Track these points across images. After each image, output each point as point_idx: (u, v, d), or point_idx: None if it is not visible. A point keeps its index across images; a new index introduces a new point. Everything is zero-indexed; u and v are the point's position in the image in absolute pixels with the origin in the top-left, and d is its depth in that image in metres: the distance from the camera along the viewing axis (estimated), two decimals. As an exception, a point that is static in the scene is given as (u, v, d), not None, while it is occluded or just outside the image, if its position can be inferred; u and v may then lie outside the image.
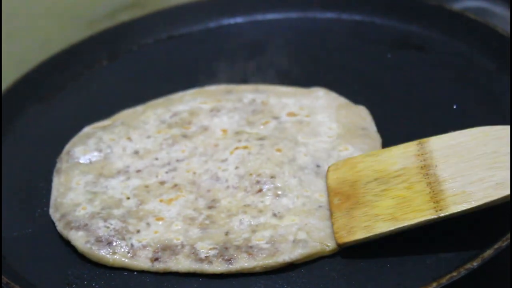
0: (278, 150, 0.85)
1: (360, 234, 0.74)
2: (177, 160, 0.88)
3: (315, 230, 0.76)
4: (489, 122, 0.84)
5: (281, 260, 0.74)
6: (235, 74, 1.04)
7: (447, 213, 0.71)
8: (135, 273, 0.76)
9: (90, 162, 0.90)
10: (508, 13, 1.16)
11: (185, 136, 0.91)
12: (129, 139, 0.92)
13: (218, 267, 0.74)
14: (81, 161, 0.90)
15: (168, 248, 0.77)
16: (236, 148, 0.87)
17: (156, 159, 0.89)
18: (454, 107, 0.90)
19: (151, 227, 0.79)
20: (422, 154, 0.77)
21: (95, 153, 0.91)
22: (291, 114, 0.91)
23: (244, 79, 1.02)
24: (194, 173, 0.86)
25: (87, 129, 0.96)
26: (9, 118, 1.00)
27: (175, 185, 0.84)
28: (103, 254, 0.77)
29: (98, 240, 0.78)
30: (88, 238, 0.79)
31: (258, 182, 0.81)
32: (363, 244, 0.74)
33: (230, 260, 0.74)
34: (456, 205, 0.71)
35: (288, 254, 0.74)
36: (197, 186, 0.84)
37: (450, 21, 1.03)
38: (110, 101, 1.03)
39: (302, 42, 1.10)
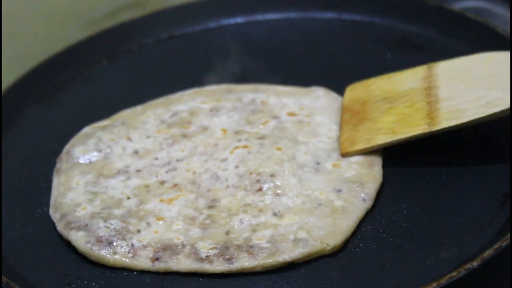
0: (278, 149, 0.85)
1: (361, 145, 0.83)
2: (177, 160, 0.88)
3: (315, 229, 0.76)
4: (489, 122, 0.84)
5: (282, 259, 0.74)
6: (235, 74, 1.04)
7: (438, 128, 0.78)
8: (135, 273, 0.76)
9: (90, 162, 0.90)
10: (508, 13, 1.16)
11: (184, 135, 0.91)
12: (129, 139, 0.92)
13: (219, 266, 0.74)
14: (81, 161, 0.90)
15: (169, 248, 0.77)
16: (236, 147, 0.87)
17: (156, 159, 0.89)
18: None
19: (151, 227, 0.80)
20: (429, 77, 0.83)
21: (95, 153, 0.91)
22: (291, 114, 0.91)
23: (244, 79, 1.02)
24: (194, 172, 0.86)
25: (86, 129, 0.96)
26: (9, 118, 1.00)
27: (175, 185, 0.84)
28: (104, 254, 0.77)
29: (99, 241, 0.78)
30: (88, 239, 0.79)
31: (258, 181, 0.81)
32: (363, 244, 0.74)
33: (230, 259, 0.74)
34: (447, 121, 0.78)
35: (288, 253, 0.74)
36: (197, 185, 0.84)
37: (450, 21, 1.03)
38: (110, 101, 1.03)
39: (302, 42, 1.10)
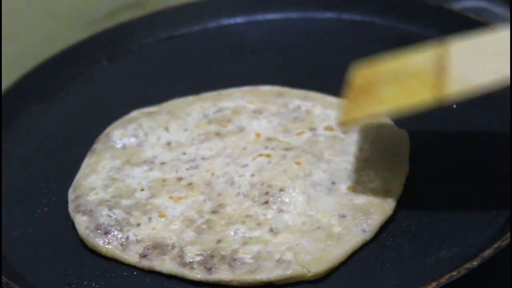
0: (297, 163, 0.82)
1: (359, 113, 0.78)
2: (202, 158, 0.87)
3: (303, 252, 0.73)
4: (489, 122, 0.85)
5: (259, 278, 0.72)
6: (235, 74, 1.04)
7: (443, 94, 0.73)
8: (135, 273, 0.76)
9: (124, 147, 0.91)
10: (508, 13, 1.16)
11: (218, 134, 0.90)
12: (166, 129, 0.93)
13: (198, 274, 0.74)
14: (116, 145, 0.92)
15: (159, 247, 0.77)
16: (260, 155, 0.85)
17: (184, 153, 0.89)
18: (454, 107, 0.90)
19: (151, 223, 0.80)
20: (440, 53, 0.78)
21: (132, 139, 0.92)
22: (328, 128, 0.88)
23: (243, 79, 1.02)
24: (213, 174, 0.85)
25: (134, 113, 0.97)
26: (9, 118, 1.00)
27: (190, 184, 0.84)
28: (97, 242, 0.79)
29: (97, 228, 0.80)
30: (89, 224, 0.80)
31: (267, 193, 0.80)
32: (362, 243, 0.74)
33: (211, 269, 0.73)
34: (453, 87, 0.73)
35: (267, 273, 0.72)
36: (211, 187, 0.83)
37: (450, 21, 1.03)
38: (110, 101, 1.03)
39: (302, 42, 1.10)
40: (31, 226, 0.84)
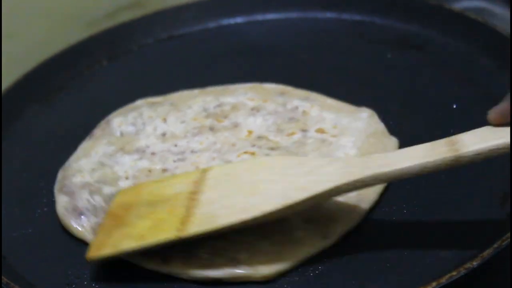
0: None
1: (107, 249, 0.74)
2: (192, 151, 0.88)
3: (258, 253, 0.73)
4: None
5: (206, 275, 0.73)
6: (235, 74, 1.04)
7: (185, 235, 0.72)
8: (135, 273, 0.76)
9: (121, 135, 0.92)
10: (508, 13, 1.16)
11: (212, 129, 0.91)
12: (164, 120, 0.94)
13: (152, 263, 0.75)
14: (114, 132, 0.93)
15: None
16: (245, 152, 0.86)
17: (175, 145, 0.89)
18: (454, 107, 0.90)
19: None
20: (199, 181, 0.77)
21: (130, 127, 0.93)
22: (319, 131, 0.88)
23: (243, 79, 1.02)
24: (197, 167, 0.85)
25: (138, 102, 0.98)
26: (9, 118, 1.00)
27: None
28: (71, 223, 0.81)
29: (74, 209, 0.82)
30: (67, 205, 0.83)
31: None
32: (363, 244, 0.74)
33: (165, 260, 0.74)
34: (197, 227, 0.72)
35: (215, 271, 0.73)
36: None
37: (450, 21, 1.03)
38: (110, 101, 1.03)
39: (302, 42, 1.10)
40: (31, 226, 0.84)
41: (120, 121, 0.95)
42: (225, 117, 0.93)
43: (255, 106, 0.94)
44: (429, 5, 1.07)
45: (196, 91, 0.99)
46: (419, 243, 0.74)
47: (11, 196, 0.88)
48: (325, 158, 0.79)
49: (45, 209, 0.86)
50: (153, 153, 0.89)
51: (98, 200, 0.83)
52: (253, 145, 0.87)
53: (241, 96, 0.96)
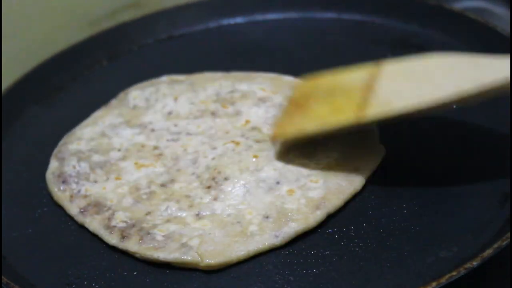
0: (255, 156, 0.84)
1: (290, 131, 0.83)
2: (187, 133, 0.90)
3: (210, 242, 0.75)
4: (489, 122, 0.85)
5: (156, 256, 0.75)
6: (235, 74, 1.04)
7: (364, 118, 0.78)
8: (135, 273, 0.76)
9: (134, 108, 0.95)
10: (508, 13, 1.16)
11: (214, 114, 0.92)
12: (176, 99, 0.96)
13: (113, 239, 0.78)
14: (129, 104, 0.96)
15: (98, 206, 0.81)
16: (232, 141, 0.87)
17: (176, 125, 0.91)
18: (454, 107, 0.90)
19: (106, 183, 0.84)
20: (374, 73, 0.81)
21: (142, 102, 0.96)
22: None
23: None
24: (185, 150, 0.87)
25: (163, 78, 1.01)
26: (9, 118, 1.00)
27: (160, 155, 0.87)
28: (53, 188, 0.86)
29: (59, 175, 0.86)
30: (55, 170, 0.88)
31: (213, 178, 0.82)
32: (363, 244, 0.74)
33: (124, 237, 0.77)
34: (374, 112, 0.77)
35: (165, 253, 0.75)
36: (175, 162, 0.86)
37: (450, 21, 1.03)
38: (110, 101, 1.03)
39: (302, 42, 1.10)
40: (31, 226, 0.84)
41: (136, 94, 0.98)
42: (232, 103, 0.94)
43: (262, 97, 0.95)
44: (429, 5, 1.07)
45: (219, 74, 1.01)
46: (419, 243, 0.74)
47: (11, 196, 0.88)
48: (494, 56, 0.77)
49: (45, 209, 0.86)
50: (152, 130, 0.91)
51: (84, 166, 0.87)
52: (242, 135, 0.88)
53: (256, 85, 0.97)
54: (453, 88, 0.75)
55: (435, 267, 0.70)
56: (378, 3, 1.10)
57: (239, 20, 1.16)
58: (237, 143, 0.86)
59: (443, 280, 0.66)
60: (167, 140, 0.89)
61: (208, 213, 0.79)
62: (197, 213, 0.79)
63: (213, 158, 0.85)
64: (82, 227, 0.82)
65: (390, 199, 0.80)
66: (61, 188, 0.85)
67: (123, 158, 0.88)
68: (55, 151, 0.91)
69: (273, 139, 0.84)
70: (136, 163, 0.87)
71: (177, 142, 0.89)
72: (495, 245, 0.69)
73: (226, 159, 0.84)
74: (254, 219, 0.77)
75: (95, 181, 0.85)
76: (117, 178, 0.85)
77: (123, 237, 0.78)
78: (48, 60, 1.09)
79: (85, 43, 1.12)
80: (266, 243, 0.75)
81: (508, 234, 0.69)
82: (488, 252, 0.68)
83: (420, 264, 0.71)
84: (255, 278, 0.73)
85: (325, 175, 0.81)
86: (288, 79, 0.99)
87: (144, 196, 0.82)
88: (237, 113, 0.92)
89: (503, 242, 0.69)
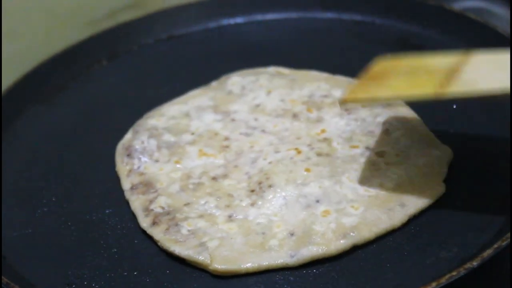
0: (307, 170, 0.81)
1: (361, 95, 0.78)
2: (261, 131, 0.89)
3: (227, 247, 0.75)
4: (489, 122, 0.85)
5: (172, 249, 0.76)
6: (235, 74, 1.04)
7: (444, 92, 0.74)
8: (135, 273, 0.76)
9: (228, 93, 0.96)
10: (508, 13, 1.16)
11: (295, 116, 0.91)
12: (269, 92, 0.95)
13: (144, 223, 0.79)
14: (226, 88, 0.97)
15: (147, 186, 0.83)
16: (295, 148, 0.85)
17: (256, 119, 0.91)
18: (454, 107, 0.90)
19: (165, 164, 0.86)
20: (461, 61, 0.78)
21: (238, 89, 0.96)
22: (379, 154, 0.83)
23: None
24: (252, 147, 0.87)
25: (270, 68, 1.01)
26: (9, 118, 1.00)
27: (226, 147, 0.88)
28: (117, 158, 0.89)
29: (127, 148, 0.89)
30: (126, 142, 0.91)
31: (260, 183, 0.81)
32: (363, 244, 0.74)
33: (154, 224, 0.79)
34: (457, 88, 0.74)
35: (181, 249, 0.75)
36: (236, 157, 0.86)
37: (450, 21, 1.03)
38: (110, 101, 1.03)
39: (302, 42, 1.10)
40: (31, 226, 0.84)
41: (236, 81, 0.98)
42: (319, 109, 0.92)
43: (350, 108, 0.91)
44: (429, 5, 1.07)
45: (324, 75, 0.99)
46: (419, 243, 0.74)
47: (11, 196, 0.88)
48: None
49: (45, 209, 0.86)
50: (232, 120, 0.92)
51: (152, 143, 0.88)
52: (309, 145, 0.86)
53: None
54: None
55: (435, 267, 0.70)
56: (378, 3, 1.10)
57: (239, 20, 1.16)
58: (299, 152, 0.84)
59: (443, 280, 0.66)
60: (240, 133, 0.89)
61: (240, 217, 0.78)
62: (230, 214, 0.79)
63: (270, 162, 0.83)
64: (82, 227, 0.82)
65: (390, 199, 0.80)
66: (124, 161, 0.87)
67: (192, 143, 0.89)
68: (137, 123, 0.93)
69: (343, 101, 0.78)
70: (200, 150, 0.87)
71: (248, 137, 0.89)
72: (495, 245, 0.69)
73: (280, 166, 0.82)
74: (279, 234, 0.76)
75: (157, 161, 0.87)
76: (176, 162, 0.86)
77: (154, 223, 0.79)
78: (48, 60, 1.09)
79: (85, 43, 1.12)
80: (279, 261, 0.73)
81: (508, 234, 0.69)
82: (488, 252, 0.68)
83: (420, 264, 0.71)
84: (255, 278, 0.73)
85: (368, 203, 0.78)
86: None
87: (191, 186, 0.83)
88: (318, 120, 0.90)
89: (503, 242, 0.69)
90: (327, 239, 0.74)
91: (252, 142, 0.88)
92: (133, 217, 0.82)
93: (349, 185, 0.80)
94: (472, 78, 0.75)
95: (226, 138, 0.89)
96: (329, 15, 1.13)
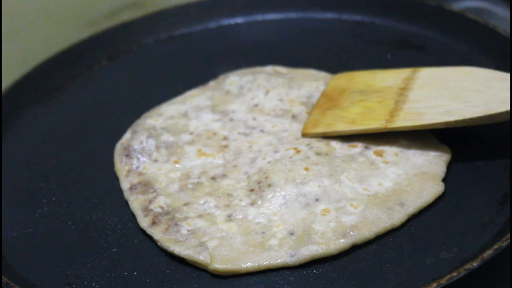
0: (306, 168, 0.81)
1: (321, 128, 0.85)
2: (260, 130, 0.90)
3: (227, 247, 0.75)
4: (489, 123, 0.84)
5: (172, 249, 0.76)
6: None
7: (393, 126, 0.81)
8: (135, 273, 0.76)
9: (226, 93, 0.96)
10: (508, 13, 1.16)
11: (294, 117, 0.91)
12: (267, 92, 0.95)
13: (143, 222, 0.79)
14: (224, 88, 0.97)
15: (146, 186, 0.83)
16: (294, 148, 0.85)
17: (254, 119, 0.91)
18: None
19: (164, 164, 0.86)
20: (409, 79, 0.84)
21: (236, 89, 0.96)
22: (378, 153, 0.84)
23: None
24: (250, 147, 0.87)
25: (268, 68, 1.01)
26: (9, 118, 1.00)
27: (225, 147, 0.88)
28: (116, 158, 0.89)
29: (126, 148, 0.89)
30: (124, 142, 0.90)
31: (259, 182, 0.81)
32: (363, 244, 0.74)
33: (154, 223, 0.79)
34: (404, 121, 0.80)
35: (181, 249, 0.75)
36: (235, 157, 0.86)
37: (450, 21, 1.03)
38: (110, 101, 1.03)
39: (302, 42, 1.10)
40: (31, 226, 0.84)
41: (234, 80, 0.98)
42: None
43: None
44: (429, 5, 1.07)
45: (322, 74, 0.99)
46: (419, 243, 0.74)
47: (11, 196, 0.88)
48: None
49: (45, 209, 0.86)
50: (231, 119, 0.92)
51: (150, 143, 0.88)
52: (308, 144, 0.85)
53: None
54: (484, 108, 0.77)
55: (435, 268, 0.70)
56: (378, 3, 1.10)
57: (239, 20, 1.16)
58: (298, 151, 0.84)
59: (443, 281, 0.67)
60: (239, 133, 0.90)
61: (240, 216, 0.78)
62: (229, 214, 0.79)
63: (269, 162, 0.83)
64: (82, 227, 0.82)
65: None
66: (123, 161, 0.88)
67: (191, 143, 0.89)
68: (135, 122, 0.94)
69: (304, 134, 0.86)
70: (199, 150, 0.87)
71: (247, 137, 0.89)
72: (495, 246, 0.69)
73: (279, 166, 0.82)
74: (278, 233, 0.76)
75: (156, 160, 0.87)
76: (175, 162, 0.86)
77: (153, 223, 0.79)
78: (48, 60, 1.09)
79: (85, 43, 1.12)
80: (279, 261, 0.73)
81: (508, 235, 0.70)
82: (488, 253, 0.68)
83: (420, 264, 0.71)
84: (255, 278, 0.73)
85: (367, 202, 0.77)
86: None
87: (190, 186, 0.83)
88: None
89: (503, 243, 0.69)
90: (327, 238, 0.74)
91: (251, 142, 0.88)
92: (132, 217, 0.82)
93: (348, 184, 0.80)
94: (419, 106, 0.80)
95: (225, 138, 0.89)
96: (329, 15, 1.13)
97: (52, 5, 1.22)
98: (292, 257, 0.73)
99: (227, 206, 0.80)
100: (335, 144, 0.85)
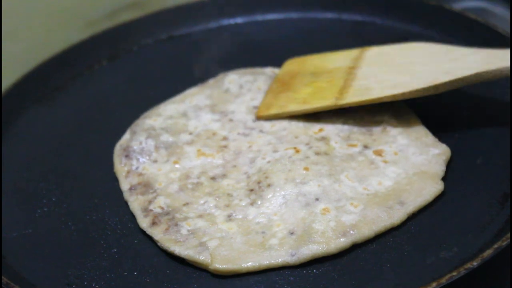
0: (306, 168, 0.81)
1: (274, 110, 0.88)
2: (260, 131, 0.90)
3: (227, 247, 0.75)
4: (489, 121, 0.85)
5: (172, 249, 0.76)
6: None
7: (343, 102, 0.84)
8: (135, 273, 0.76)
9: (225, 92, 0.96)
10: (508, 13, 1.16)
11: (293, 116, 0.90)
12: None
13: (143, 223, 0.79)
14: (223, 86, 0.97)
15: (146, 186, 0.83)
16: (294, 148, 0.85)
17: (253, 120, 0.91)
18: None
19: (163, 165, 0.86)
20: (357, 58, 0.87)
21: (235, 88, 0.96)
22: (377, 152, 0.84)
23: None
24: (250, 147, 0.87)
25: (267, 69, 1.01)
26: (9, 118, 1.00)
27: (224, 147, 0.88)
28: (115, 159, 0.89)
29: (125, 149, 0.89)
30: (124, 142, 0.91)
31: (259, 182, 0.81)
32: (363, 244, 0.74)
33: (154, 224, 0.79)
34: (353, 97, 0.83)
35: (181, 249, 0.75)
36: (235, 157, 0.86)
37: (450, 21, 1.03)
38: (110, 101, 1.03)
39: (302, 42, 1.10)
40: (31, 226, 0.84)
41: (233, 79, 0.98)
42: None
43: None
44: (429, 5, 1.07)
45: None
46: (419, 243, 0.74)
47: (11, 196, 0.88)
48: (470, 48, 0.83)
49: (45, 209, 0.86)
50: (230, 120, 0.92)
51: (150, 144, 0.88)
52: (307, 143, 0.85)
53: None
54: (428, 79, 0.79)
55: (435, 268, 0.70)
56: (378, 3, 1.10)
57: (239, 20, 1.16)
58: (297, 151, 0.84)
59: (443, 281, 0.66)
60: (238, 134, 0.90)
61: (240, 216, 0.78)
62: (229, 214, 0.79)
63: (269, 162, 0.83)
64: (82, 227, 0.82)
65: (390, 199, 0.80)
66: (122, 162, 0.88)
67: (191, 143, 0.89)
68: (134, 123, 0.93)
69: (258, 117, 0.89)
70: (198, 150, 0.87)
71: (246, 137, 0.89)
72: (495, 246, 0.69)
73: (278, 165, 0.82)
74: (278, 233, 0.76)
75: (155, 161, 0.87)
76: (175, 162, 0.86)
77: (153, 223, 0.79)
78: (48, 60, 1.09)
79: (85, 43, 1.12)
80: (280, 260, 0.73)
81: (508, 235, 0.70)
82: (488, 253, 0.68)
83: (420, 264, 0.71)
84: (255, 278, 0.73)
85: (367, 202, 0.78)
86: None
87: (190, 186, 0.83)
88: (316, 119, 0.89)
89: (503, 242, 0.69)
90: (327, 237, 0.74)
91: (250, 142, 0.88)
92: (132, 217, 0.82)
93: (348, 183, 0.80)
94: (367, 82, 0.83)
95: (225, 138, 0.89)
96: (329, 15, 1.13)
97: (52, 5, 1.22)
98: (292, 256, 0.73)
99: (227, 206, 0.80)
100: (334, 143, 0.85)
